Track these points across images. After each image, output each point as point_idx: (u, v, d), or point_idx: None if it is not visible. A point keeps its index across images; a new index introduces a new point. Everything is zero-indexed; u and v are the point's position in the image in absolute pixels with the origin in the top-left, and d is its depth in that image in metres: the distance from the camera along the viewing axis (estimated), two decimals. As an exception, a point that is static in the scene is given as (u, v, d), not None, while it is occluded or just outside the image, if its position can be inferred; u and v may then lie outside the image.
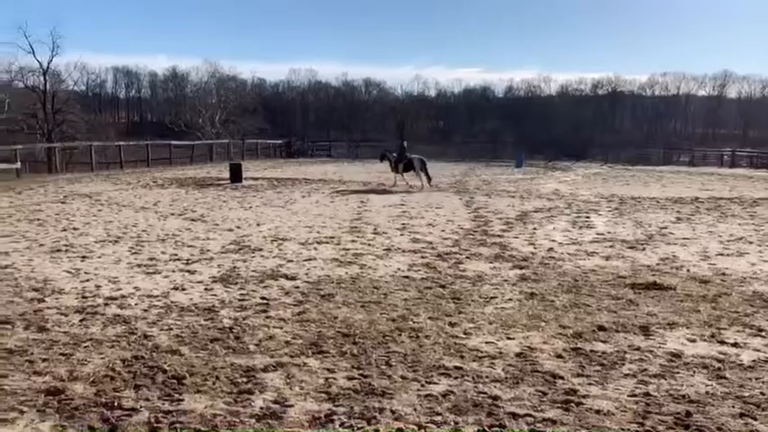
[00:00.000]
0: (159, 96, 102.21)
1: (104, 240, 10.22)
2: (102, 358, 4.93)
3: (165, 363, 4.82)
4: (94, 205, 14.85)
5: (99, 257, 8.90)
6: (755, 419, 3.96)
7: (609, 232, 11.52)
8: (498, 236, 10.95)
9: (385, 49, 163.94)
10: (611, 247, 10.08)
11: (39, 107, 44.40)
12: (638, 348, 5.26)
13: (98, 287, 7.20)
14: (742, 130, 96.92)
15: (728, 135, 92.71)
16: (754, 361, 4.99)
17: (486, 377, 4.61)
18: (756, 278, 7.97)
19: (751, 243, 10.55)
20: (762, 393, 4.35)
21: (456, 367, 4.79)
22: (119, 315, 6.11)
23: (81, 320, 5.94)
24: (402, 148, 21.32)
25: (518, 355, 5.09)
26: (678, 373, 4.75)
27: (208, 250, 9.47)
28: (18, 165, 25.61)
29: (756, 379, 4.62)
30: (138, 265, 8.39)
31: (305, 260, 8.80)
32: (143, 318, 6.04)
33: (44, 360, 4.89)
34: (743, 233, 11.58)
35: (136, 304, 6.52)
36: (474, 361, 4.94)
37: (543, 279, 7.78)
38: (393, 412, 4.02)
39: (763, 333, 5.71)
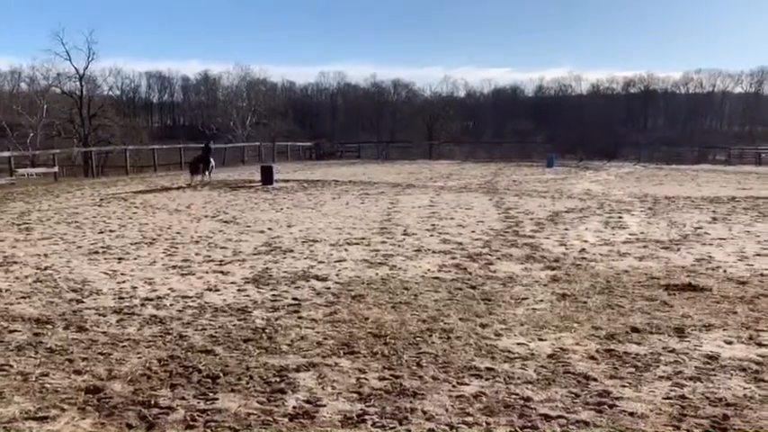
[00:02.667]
0: (192, 100, 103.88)
1: (140, 242, 10.44)
2: (139, 358, 5.04)
3: (200, 362, 4.91)
4: (130, 208, 15.17)
5: (135, 259, 9.09)
6: (795, 423, 3.88)
7: (642, 232, 11.35)
8: (529, 236, 10.87)
9: (414, 50, 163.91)
10: (644, 247, 9.93)
11: (75, 112, 45.51)
12: (673, 350, 5.18)
13: (134, 288, 7.36)
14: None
15: (766, 133, 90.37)
16: (793, 364, 4.87)
17: (518, 378, 4.59)
18: (796, 279, 7.77)
19: (790, 243, 10.28)
20: (802, 397, 4.25)
21: (487, 368, 4.78)
22: (155, 315, 6.24)
23: (118, 321, 6.09)
24: None
25: (550, 356, 5.05)
26: (715, 375, 4.66)
27: (240, 252, 9.60)
28: (56, 169, 26.33)
29: (796, 382, 4.51)
30: (173, 267, 8.55)
31: (335, 261, 8.87)
32: (178, 318, 6.16)
33: (84, 359, 5.03)
34: (782, 233, 11.28)
35: (171, 305, 6.65)
36: (505, 362, 4.93)
37: (575, 280, 7.71)
38: (424, 413, 4.04)
39: (804, 335, 5.57)
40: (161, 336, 5.61)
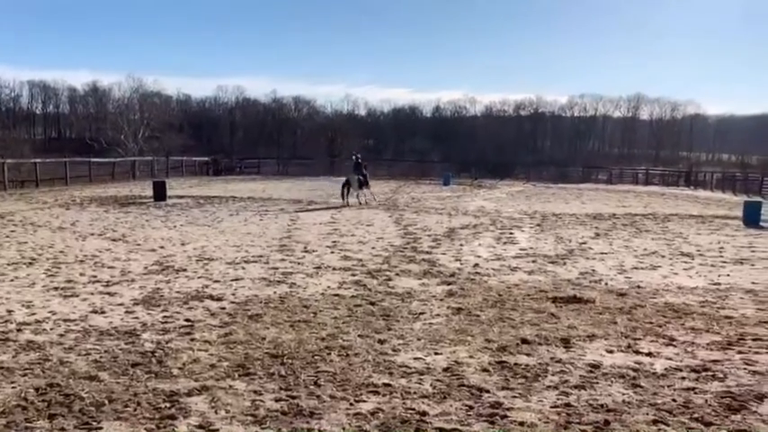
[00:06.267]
0: (79, 112, 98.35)
1: (18, 263, 9.68)
2: (13, 387, 4.65)
3: (83, 390, 4.60)
4: (7, 226, 14.05)
5: (12, 281, 8.42)
6: (668, 425, 4.17)
7: (531, 248, 11.90)
8: (427, 252, 11.11)
9: (315, 67, 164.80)
10: (533, 262, 10.41)
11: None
12: (560, 360, 5.44)
13: (10, 312, 6.80)
14: (654, 149, 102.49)
15: (642, 154, 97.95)
16: (666, 369, 5.25)
17: (415, 393, 4.65)
18: (668, 290, 8.41)
19: (663, 257, 11.14)
20: (673, 400, 4.58)
21: (385, 384, 4.81)
22: (32, 341, 5.79)
23: (-10, 348, 5.60)
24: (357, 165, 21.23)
25: (445, 369, 5.16)
26: (597, 383, 4.94)
27: (129, 271, 9.14)
28: None
29: (669, 386, 4.86)
30: (55, 288, 8.00)
31: (232, 280, 8.64)
32: (59, 343, 5.75)
33: (-53, 392, 4.57)
34: (656, 247, 12.21)
35: (51, 329, 6.21)
36: (402, 377, 4.98)
37: (469, 294, 7.94)
38: (321, 432, 3.99)
39: (675, 342, 6.03)
40: (39, 362, 5.21)
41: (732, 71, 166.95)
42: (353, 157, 22.31)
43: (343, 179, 21.47)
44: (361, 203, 20.63)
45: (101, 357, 5.36)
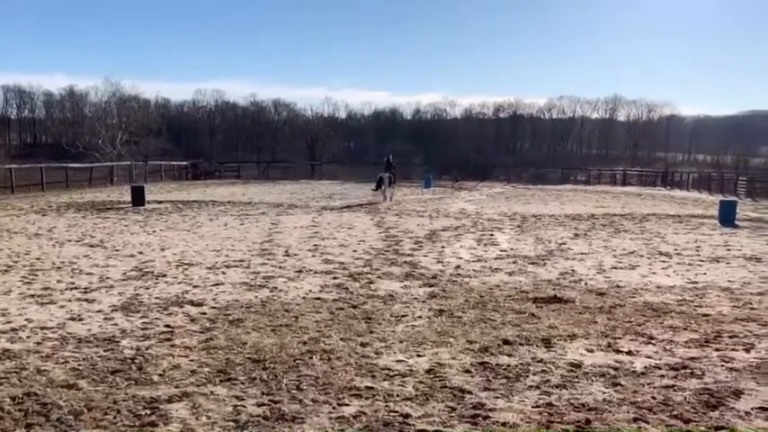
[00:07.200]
0: (55, 117, 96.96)
1: (-8, 270, 9.52)
2: (-12, 397, 4.57)
3: (61, 398, 4.53)
4: (-20, 232, 13.81)
5: (-15, 288, 8.27)
6: (648, 423, 4.21)
7: (512, 249, 11.97)
8: (409, 255, 11.12)
9: (295, 70, 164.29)
10: (514, 263, 10.47)
11: None
12: (541, 360, 5.48)
13: (-16, 321, 6.68)
14: (631, 150, 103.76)
15: (619, 155, 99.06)
16: (645, 367, 5.32)
17: (397, 395, 4.65)
18: (647, 289, 8.52)
19: (641, 256, 11.27)
20: (653, 398, 4.63)
21: (367, 387, 4.80)
22: (8, 350, 5.69)
23: (-36, 357, 5.49)
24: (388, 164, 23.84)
25: (428, 371, 5.17)
26: (578, 382, 4.98)
27: (108, 278, 9.03)
28: None
29: (648, 384, 4.92)
30: (31, 296, 7.87)
31: (212, 285, 8.57)
32: (36, 351, 5.66)
33: None
34: (634, 247, 12.35)
35: (28, 337, 6.11)
36: (385, 380, 4.97)
37: (451, 296, 7.97)
38: (304, 436, 3.97)
39: (654, 341, 6.11)
40: (16, 371, 5.12)
41: (706, 73, 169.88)
42: (386, 158, 24.82)
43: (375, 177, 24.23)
44: (386, 199, 23.02)
45: (79, 365, 5.28)
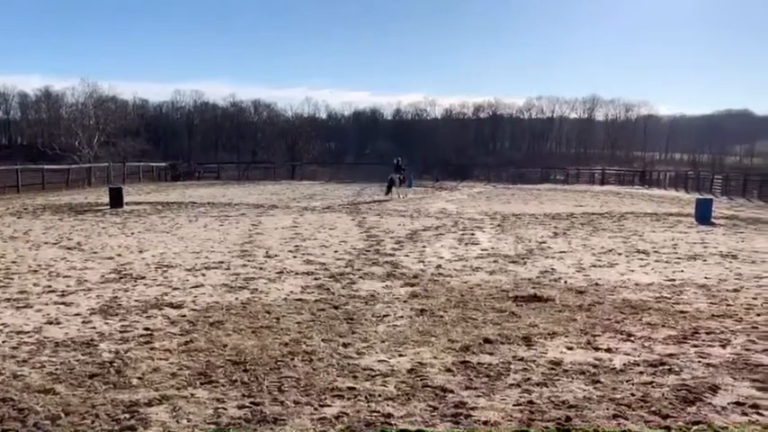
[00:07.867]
0: (31, 118, 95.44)
1: (-34, 274, 9.35)
2: (-38, 404, 4.49)
3: (38, 403, 4.46)
4: (-46, 236, 13.56)
5: (-41, 293, 8.12)
6: (627, 419, 4.26)
7: (492, 248, 12.03)
8: (390, 254, 11.13)
9: (275, 71, 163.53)
10: (494, 262, 10.53)
11: None
12: (522, 359, 5.51)
13: (-42, 326, 6.56)
14: (609, 149, 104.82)
15: (598, 154, 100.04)
16: (624, 364, 5.37)
17: (379, 396, 4.64)
18: (625, 287, 8.61)
19: (620, 254, 11.40)
20: (632, 394, 4.69)
21: (349, 388, 4.79)
22: (-17, 355, 5.60)
23: (-63, 363, 5.38)
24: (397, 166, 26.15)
25: (410, 371, 5.17)
26: (558, 380, 5.02)
27: (86, 280, 8.91)
28: None
29: (627, 381, 4.97)
30: (7, 300, 7.74)
31: (192, 287, 8.50)
32: (12, 356, 5.57)
33: None
34: (613, 245, 12.49)
35: (4, 342, 6.00)
36: (367, 380, 4.97)
37: (432, 295, 7.99)
38: (286, 438, 3.95)
39: (632, 338, 6.17)
40: (-10, 377, 5.03)
41: (682, 73, 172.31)
42: (395, 161, 26.96)
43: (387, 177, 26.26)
44: (399, 197, 25.05)
45: (56, 369, 5.21)
